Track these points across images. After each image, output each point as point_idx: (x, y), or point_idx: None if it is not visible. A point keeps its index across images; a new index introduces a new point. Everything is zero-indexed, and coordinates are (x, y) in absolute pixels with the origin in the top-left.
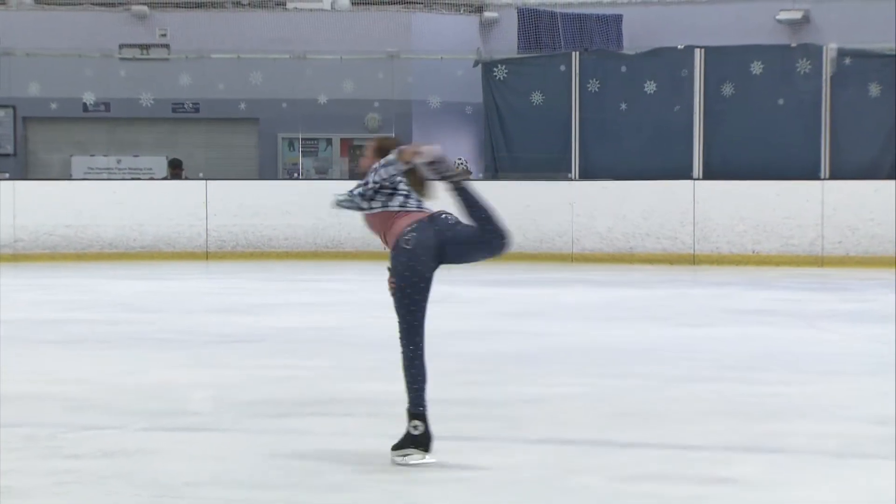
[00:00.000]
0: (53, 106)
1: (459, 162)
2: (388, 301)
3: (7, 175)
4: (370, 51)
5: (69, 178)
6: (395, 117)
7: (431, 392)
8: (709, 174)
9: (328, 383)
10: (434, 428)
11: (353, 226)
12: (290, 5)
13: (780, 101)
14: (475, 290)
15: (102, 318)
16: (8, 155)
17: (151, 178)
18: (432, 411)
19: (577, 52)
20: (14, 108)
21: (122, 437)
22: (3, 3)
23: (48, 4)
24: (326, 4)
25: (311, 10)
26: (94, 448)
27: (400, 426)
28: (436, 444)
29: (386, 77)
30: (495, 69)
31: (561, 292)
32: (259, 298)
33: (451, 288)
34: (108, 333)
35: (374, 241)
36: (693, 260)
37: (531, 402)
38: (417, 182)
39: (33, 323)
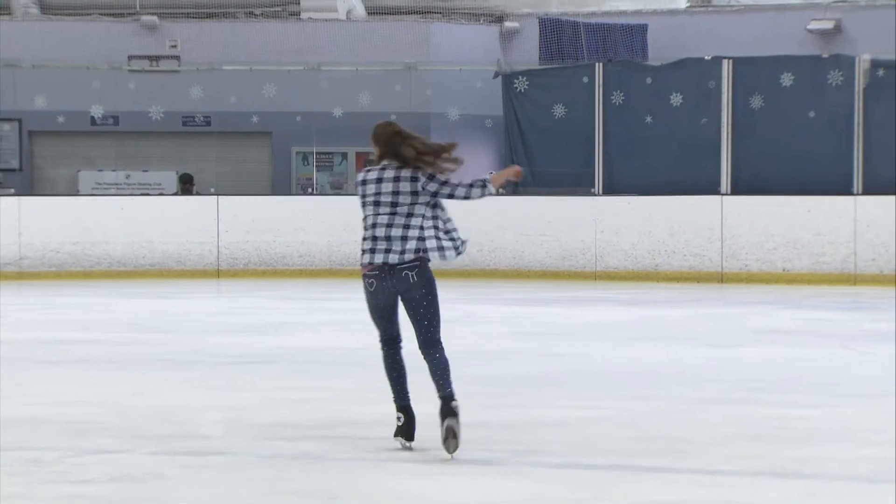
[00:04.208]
0: (60, 119)
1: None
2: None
3: (12, 190)
4: (387, 62)
5: (76, 193)
6: (413, 130)
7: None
8: (737, 189)
9: (344, 406)
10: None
11: None
12: (304, 15)
13: (812, 114)
14: (495, 309)
15: (110, 339)
16: (13, 170)
17: (161, 194)
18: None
19: (601, 63)
20: (20, 121)
21: (131, 462)
22: (9, 14)
23: (55, 15)
24: (342, 14)
25: (325, 19)
26: (101, 473)
27: (419, 450)
28: (454, 468)
29: (403, 89)
30: (516, 81)
31: (584, 311)
32: (272, 318)
33: (470, 307)
34: (115, 354)
35: None
36: (721, 278)
37: (553, 425)
38: None
39: (38, 343)
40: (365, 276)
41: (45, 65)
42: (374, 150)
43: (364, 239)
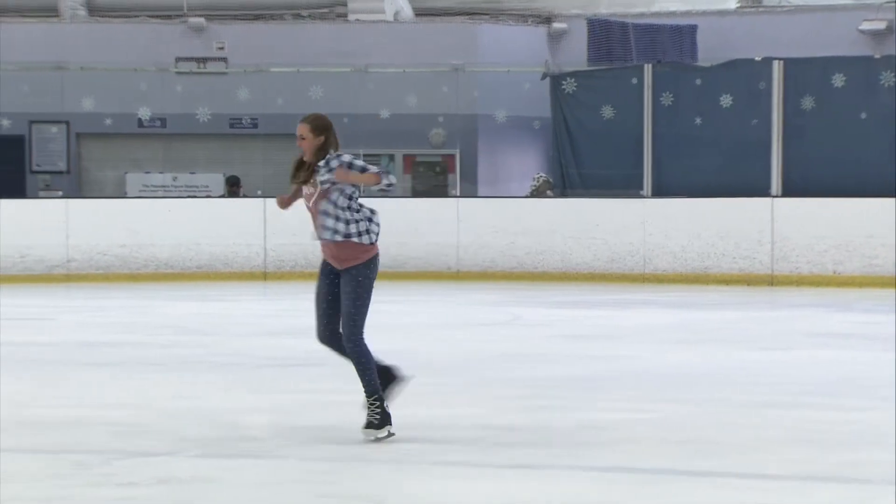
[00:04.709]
0: (108, 121)
1: (540, 178)
2: (454, 322)
3: (60, 193)
4: (434, 63)
5: (123, 196)
6: (459, 132)
7: (493, 417)
8: (788, 191)
9: (393, 409)
10: (496, 456)
11: (415, 245)
12: (351, 17)
13: (863, 115)
14: (541, 311)
15: (156, 341)
16: (61, 172)
17: (208, 196)
18: (495, 435)
19: (650, 65)
20: (67, 123)
21: (176, 465)
22: (57, 16)
23: (103, 17)
24: (389, 15)
25: (373, 21)
26: (147, 476)
27: (457, 452)
28: (498, 472)
29: (450, 90)
30: (564, 82)
31: (632, 314)
32: None
33: (516, 309)
34: (161, 356)
35: (437, 261)
36: (771, 281)
37: (598, 428)
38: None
39: (85, 345)
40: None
41: (93, 67)
42: (321, 138)
43: (376, 223)
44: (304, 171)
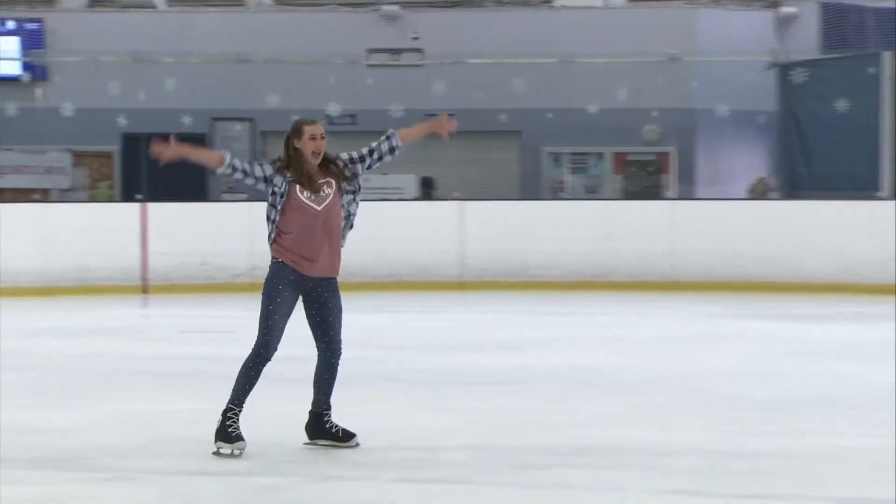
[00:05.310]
0: (294, 118)
1: (763, 178)
2: (671, 336)
3: (245, 195)
4: (648, 53)
5: None
6: (675, 128)
7: (718, 442)
8: None
9: (596, 430)
10: (711, 484)
11: (626, 252)
12: (556, 3)
13: None
14: (768, 325)
15: (343, 356)
16: None
17: (401, 199)
18: (723, 463)
19: (891, 52)
20: (252, 120)
21: (371, 489)
22: (242, 5)
23: (290, 6)
24: (598, 1)
25: (580, 6)
26: (342, 500)
27: (679, 478)
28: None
29: (666, 82)
30: (793, 72)
31: (872, 329)
32: (520, 333)
33: (740, 323)
34: (349, 372)
35: (650, 269)
36: None
37: (830, 455)
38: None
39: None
40: None
41: (279, 60)
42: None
43: None
44: (318, 175)
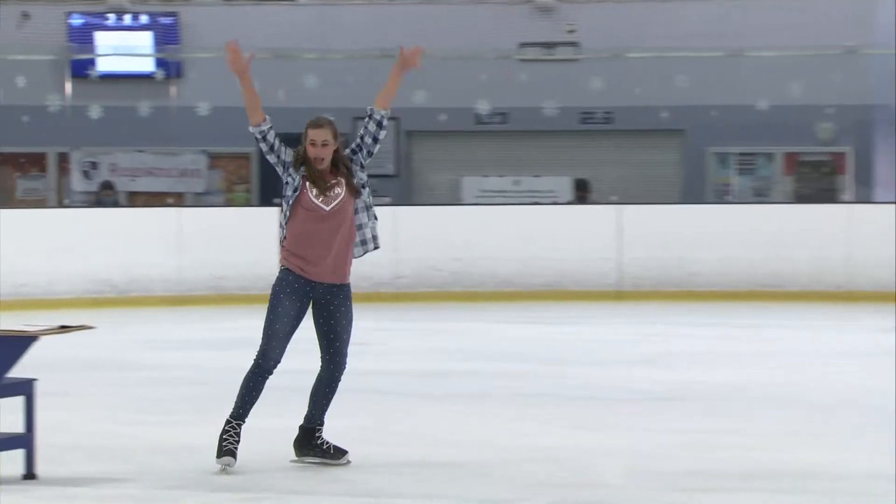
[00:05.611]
0: (442, 117)
1: None
2: (834, 352)
3: (388, 199)
4: (823, 45)
5: (459, 202)
6: (852, 126)
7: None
8: None
9: (766, 452)
10: None
11: (799, 260)
12: None
13: None
14: None
15: (493, 370)
16: (389, 176)
17: (554, 203)
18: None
19: None
20: (397, 120)
21: None
22: None
23: None
24: None
25: None
26: None
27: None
28: None
29: (842, 77)
30: None
31: None
32: (682, 347)
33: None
34: (499, 388)
35: (823, 279)
36: None
37: None
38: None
39: (414, 374)
40: None
41: (429, 54)
42: (337, 144)
43: None
44: (329, 175)
